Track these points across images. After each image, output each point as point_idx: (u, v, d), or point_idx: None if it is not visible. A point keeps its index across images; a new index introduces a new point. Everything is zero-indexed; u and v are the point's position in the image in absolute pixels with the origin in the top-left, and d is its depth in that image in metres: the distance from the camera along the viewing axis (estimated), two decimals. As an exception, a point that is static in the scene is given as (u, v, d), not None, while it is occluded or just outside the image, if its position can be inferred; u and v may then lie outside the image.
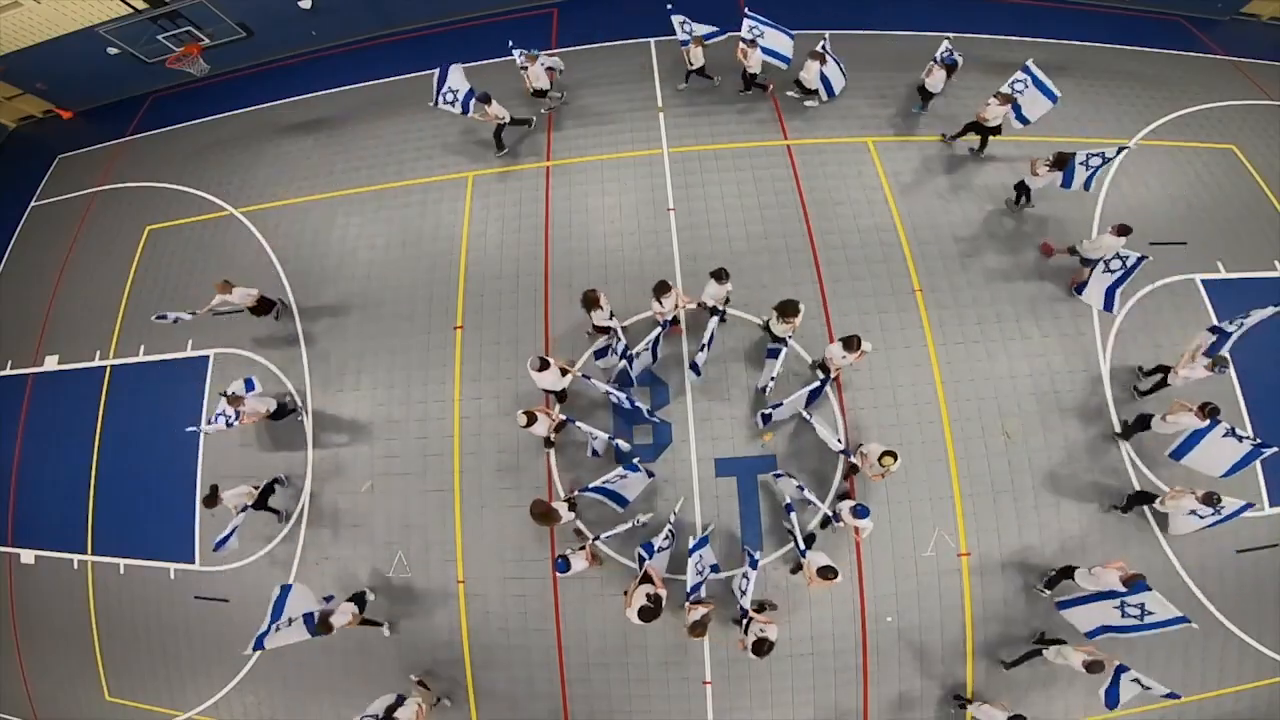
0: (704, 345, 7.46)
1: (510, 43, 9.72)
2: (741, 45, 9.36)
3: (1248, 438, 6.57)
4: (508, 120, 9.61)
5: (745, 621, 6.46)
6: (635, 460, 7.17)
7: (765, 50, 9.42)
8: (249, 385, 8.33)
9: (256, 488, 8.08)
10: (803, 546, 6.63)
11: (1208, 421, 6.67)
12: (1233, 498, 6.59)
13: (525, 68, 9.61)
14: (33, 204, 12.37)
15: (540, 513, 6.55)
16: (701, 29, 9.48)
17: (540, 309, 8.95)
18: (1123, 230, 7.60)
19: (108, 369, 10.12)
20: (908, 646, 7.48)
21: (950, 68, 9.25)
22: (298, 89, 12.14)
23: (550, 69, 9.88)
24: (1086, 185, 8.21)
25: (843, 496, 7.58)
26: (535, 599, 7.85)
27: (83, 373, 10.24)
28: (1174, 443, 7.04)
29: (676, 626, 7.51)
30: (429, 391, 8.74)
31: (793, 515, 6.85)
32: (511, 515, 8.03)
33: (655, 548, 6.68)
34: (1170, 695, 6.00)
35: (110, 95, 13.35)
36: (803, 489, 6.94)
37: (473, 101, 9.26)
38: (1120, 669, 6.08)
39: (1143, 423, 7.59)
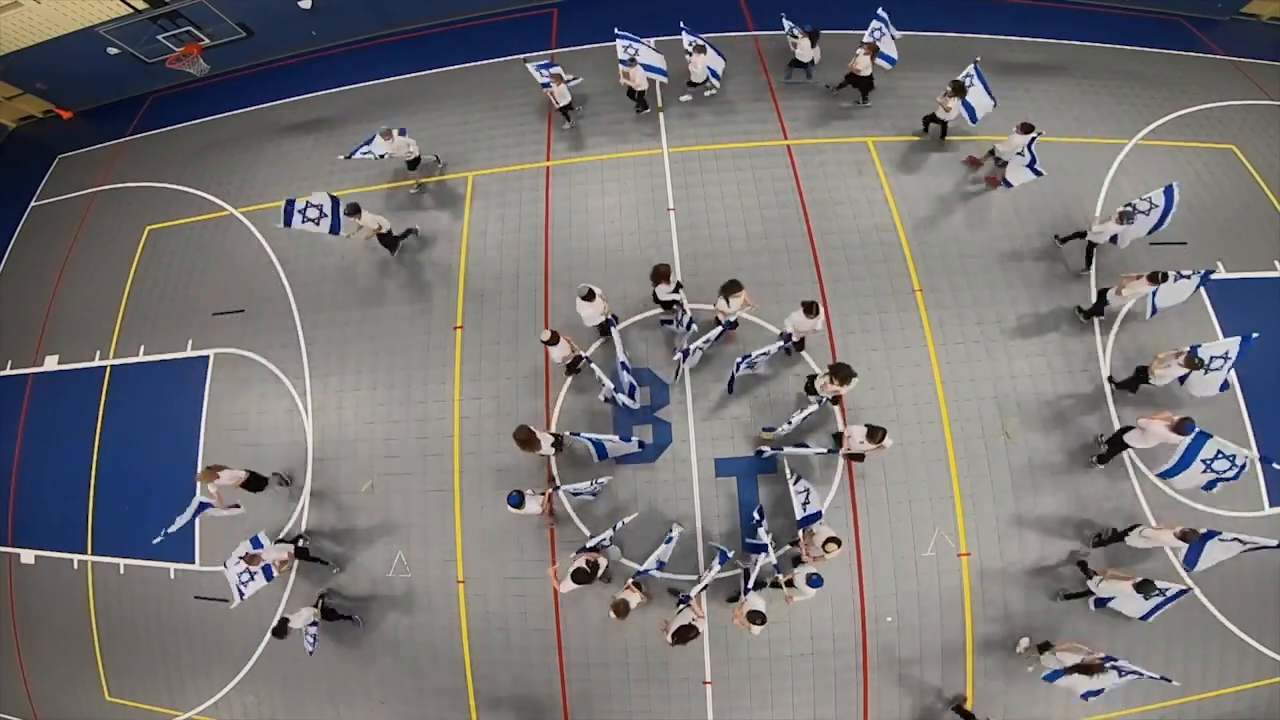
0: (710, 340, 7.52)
1: (545, 64, 9.65)
2: (622, 67, 9.34)
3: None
4: (385, 229, 8.91)
5: (680, 605, 6.57)
6: (635, 440, 7.55)
7: (646, 66, 9.43)
8: (256, 543, 7.56)
9: (291, 542, 7.97)
10: (749, 586, 6.62)
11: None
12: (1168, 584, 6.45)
13: (549, 86, 9.43)
14: (33, 204, 12.37)
15: (523, 438, 6.76)
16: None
17: (540, 309, 8.94)
18: (1026, 128, 8.04)
19: (108, 369, 10.12)
20: (908, 646, 7.48)
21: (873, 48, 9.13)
22: (298, 89, 12.14)
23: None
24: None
25: (796, 560, 7.13)
26: (535, 599, 7.85)
27: (83, 373, 10.24)
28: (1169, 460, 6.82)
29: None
30: (429, 391, 8.74)
31: (762, 532, 6.75)
32: (512, 515, 8.00)
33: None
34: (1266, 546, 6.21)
35: (110, 95, 13.35)
36: (804, 487, 6.95)
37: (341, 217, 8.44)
38: (1210, 533, 6.34)
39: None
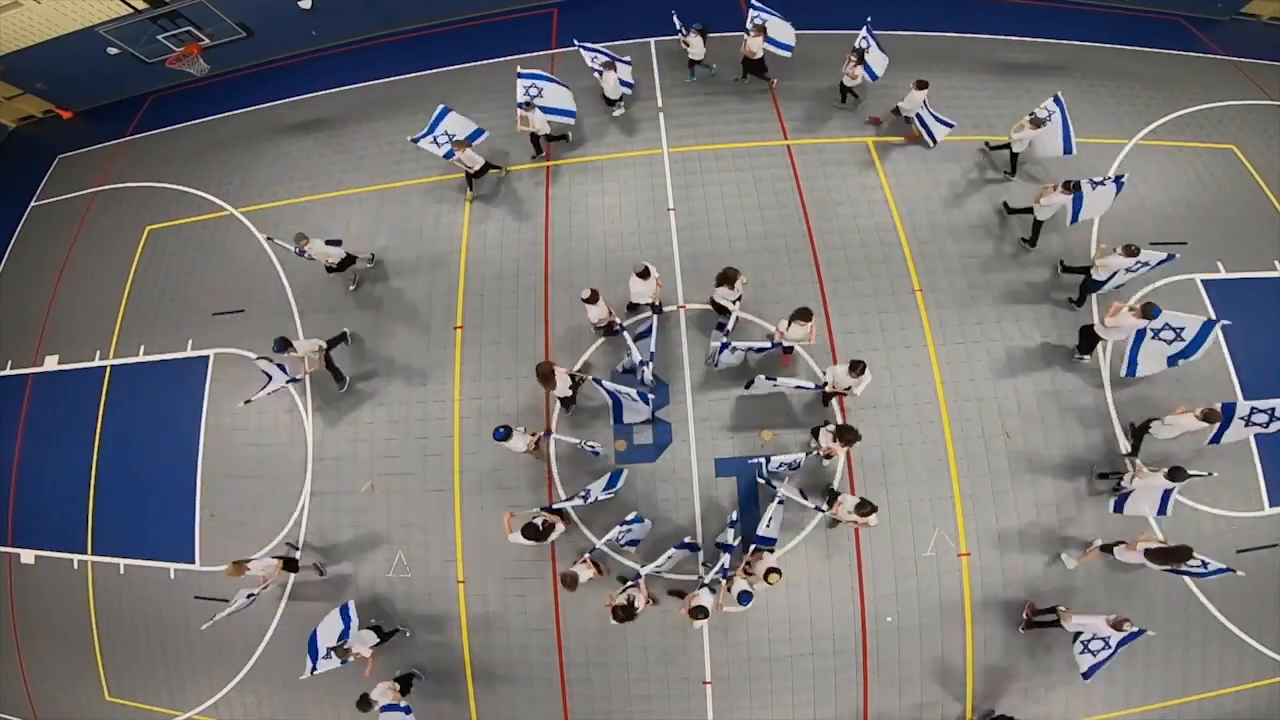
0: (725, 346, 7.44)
1: (621, 60, 9.69)
2: (520, 111, 9.05)
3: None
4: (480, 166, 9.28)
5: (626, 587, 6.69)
6: (650, 395, 7.55)
7: (548, 109, 9.19)
8: (345, 633, 7.28)
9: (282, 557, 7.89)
10: (812, 503, 6.94)
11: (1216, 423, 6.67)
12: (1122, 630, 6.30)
13: (600, 72, 9.53)
14: (33, 204, 12.36)
15: (544, 373, 6.89)
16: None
17: (540, 309, 8.94)
18: (921, 84, 8.59)
19: (108, 369, 10.12)
20: (908, 646, 7.47)
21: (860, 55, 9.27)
22: (298, 89, 12.13)
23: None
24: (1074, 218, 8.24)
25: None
26: (535, 599, 7.85)
27: (83, 373, 10.24)
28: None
29: (677, 627, 7.53)
30: (429, 391, 8.74)
31: (730, 534, 6.89)
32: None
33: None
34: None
35: (110, 95, 13.34)
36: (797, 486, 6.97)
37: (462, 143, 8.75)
38: (1229, 408, 6.60)
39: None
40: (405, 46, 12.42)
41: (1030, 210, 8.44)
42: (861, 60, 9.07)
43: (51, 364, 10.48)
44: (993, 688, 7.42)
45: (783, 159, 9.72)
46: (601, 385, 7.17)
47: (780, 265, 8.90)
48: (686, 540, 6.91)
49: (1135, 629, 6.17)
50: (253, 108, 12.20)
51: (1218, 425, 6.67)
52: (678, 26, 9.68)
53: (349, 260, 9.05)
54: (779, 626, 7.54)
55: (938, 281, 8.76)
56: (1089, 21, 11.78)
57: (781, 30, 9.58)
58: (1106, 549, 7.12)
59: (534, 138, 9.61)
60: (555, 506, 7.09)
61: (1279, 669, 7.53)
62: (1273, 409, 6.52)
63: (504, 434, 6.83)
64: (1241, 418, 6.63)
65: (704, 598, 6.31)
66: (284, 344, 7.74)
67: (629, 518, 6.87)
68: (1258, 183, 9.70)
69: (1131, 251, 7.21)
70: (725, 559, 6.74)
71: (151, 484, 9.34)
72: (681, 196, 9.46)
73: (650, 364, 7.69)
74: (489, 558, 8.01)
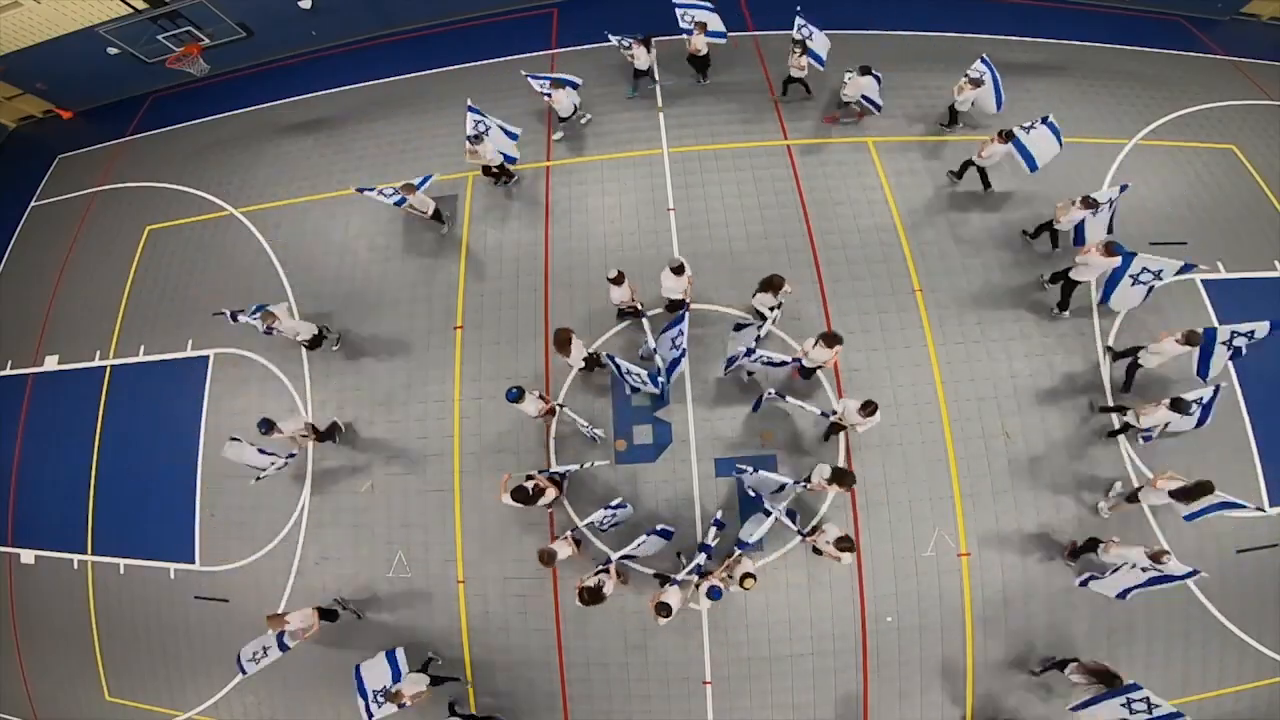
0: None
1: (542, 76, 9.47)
2: (469, 144, 8.76)
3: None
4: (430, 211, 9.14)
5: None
6: (660, 380, 7.44)
7: (811, 54, 9.34)
8: (395, 674, 7.04)
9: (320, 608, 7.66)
10: (795, 526, 6.86)
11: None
12: (1177, 564, 6.33)
13: (548, 95, 9.36)
14: (33, 204, 12.36)
15: (562, 339, 7.01)
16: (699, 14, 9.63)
17: (540, 309, 8.94)
18: (864, 70, 8.71)
19: (108, 369, 10.12)
20: (908, 646, 7.47)
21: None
22: (298, 89, 12.14)
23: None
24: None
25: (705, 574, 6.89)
26: (535, 599, 7.85)
27: (83, 373, 10.24)
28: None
29: (677, 628, 7.53)
30: (429, 391, 8.74)
31: (712, 534, 6.89)
32: (512, 515, 8.03)
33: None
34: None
35: (110, 95, 13.34)
36: (780, 490, 6.88)
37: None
38: (1210, 333, 6.82)
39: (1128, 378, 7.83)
40: (405, 46, 12.42)
41: (1051, 225, 8.45)
42: (805, 49, 9.21)
43: (51, 364, 10.49)
44: (993, 688, 7.41)
45: (783, 159, 9.73)
46: (609, 359, 7.22)
47: (780, 265, 8.86)
48: (660, 527, 6.75)
49: (1176, 571, 6.23)
50: (253, 108, 12.21)
51: (1200, 350, 6.95)
52: (615, 40, 9.62)
53: (319, 338, 8.77)
54: (779, 626, 7.54)
55: (938, 281, 8.76)
56: (1089, 21, 11.78)
57: (714, 20, 9.63)
58: (1132, 498, 7.25)
59: (485, 169, 9.52)
60: (553, 471, 7.04)
61: (1279, 669, 7.53)
62: (1252, 331, 6.74)
63: (516, 395, 6.88)
64: (1224, 342, 6.86)
65: (671, 595, 6.28)
66: (269, 425, 7.44)
67: (614, 502, 6.85)
68: (1258, 183, 9.70)
69: (1090, 203, 7.55)
70: (701, 558, 6.64)
71: (151, 484, 9.34)
72: (681, 196, 9.46)
73: (683, 360, 7.46)
74: (489, 558, 8.02)
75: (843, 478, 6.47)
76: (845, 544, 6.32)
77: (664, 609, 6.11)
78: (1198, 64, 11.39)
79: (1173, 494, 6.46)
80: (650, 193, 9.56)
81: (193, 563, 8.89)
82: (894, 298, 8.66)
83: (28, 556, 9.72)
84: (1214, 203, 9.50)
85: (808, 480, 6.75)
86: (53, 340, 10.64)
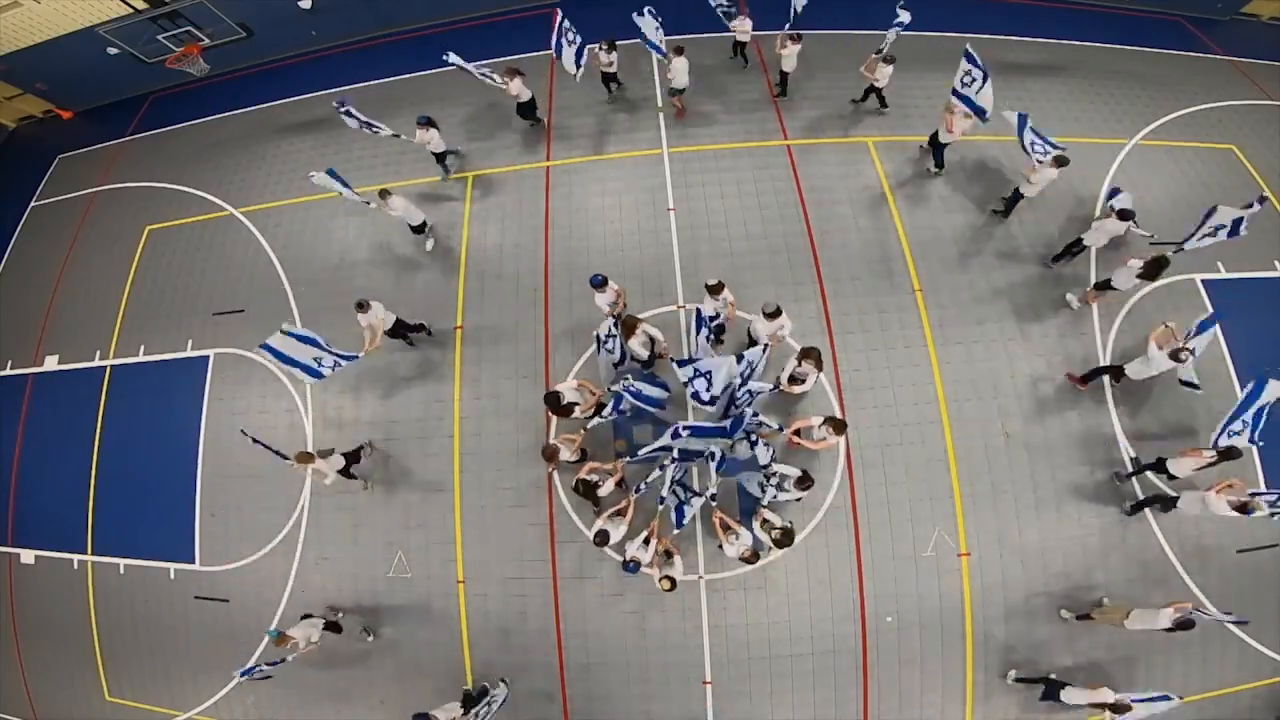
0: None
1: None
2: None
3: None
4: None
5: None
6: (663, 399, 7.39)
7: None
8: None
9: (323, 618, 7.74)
10: (769, 385, 6.87)
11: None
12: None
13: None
14: (33, 204, 12.36)
15: (548, 454, 6.76)
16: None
17: (540, 309, 8.94)
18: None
19: (108, 369, 10.12)
20: (908, 646, 7.47)
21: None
22: (298, 89, 12.14)
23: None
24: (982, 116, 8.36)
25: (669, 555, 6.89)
26: (535, 599, 7.85)
27: (83, 373, 10.24)
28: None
29: (677, 628, 7.53)
30: (429, 391, 8.74)
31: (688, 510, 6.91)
32: (511, 515, 8.04)
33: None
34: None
35: (110, 95, 13.34)
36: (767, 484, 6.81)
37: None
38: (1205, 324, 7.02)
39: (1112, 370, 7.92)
40: (405, 46, 12.42)
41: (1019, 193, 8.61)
42: (890, 61, 9.04)
43: (51, 364, 10.48)
44: (993, 688, 7.41)
45: (783, 159, 9.72)
46: (626, 378, 6.98)
47: (780, 265, 8.90)
48: (678, 426, 6.43)
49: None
50: (253, 108, 12.21)
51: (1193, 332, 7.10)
52: (587, 49, 9.57)
53: (357, 453, 8.29)
54: (779, 626, 7.54)
55: (938, 281, 8.76)
56: (1089, 21, 11.79)
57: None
58: (1101, 286, 7.88)
59: (436, 156, 9.60)
60: (637, 456, 6.75)
61: (1279, 669, 7.53)
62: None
63: (601, 280, 7.02)
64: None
65: (676, 567, 6.58)
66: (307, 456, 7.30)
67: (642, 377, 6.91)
68: (1258, 183, 9.70)
69: (1061, 162, 7.77)
70: (717, 452, 6.66)
71: (151, 484, 9.34)
72: (681, 196, 9.46)
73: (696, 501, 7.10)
74: (489, 558, 8.01)
75: (803, 482, 6.35)
76: (837, 424, 6.37)
77: (669, 581, 6.36)
78: (1198, 64, 11.39)
79: (1142, 268, 7.03)
80: (650, 193, 9.56)
81: (193, 563, 8.89)
82: (894, 298, 8.66)
83: (28, 556, 9.72)
84: (1214, 203, 9.45)
85: (776, 385, 6.92)
86: (53, 340, 10.64)
